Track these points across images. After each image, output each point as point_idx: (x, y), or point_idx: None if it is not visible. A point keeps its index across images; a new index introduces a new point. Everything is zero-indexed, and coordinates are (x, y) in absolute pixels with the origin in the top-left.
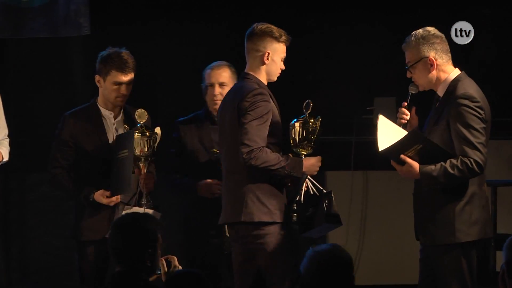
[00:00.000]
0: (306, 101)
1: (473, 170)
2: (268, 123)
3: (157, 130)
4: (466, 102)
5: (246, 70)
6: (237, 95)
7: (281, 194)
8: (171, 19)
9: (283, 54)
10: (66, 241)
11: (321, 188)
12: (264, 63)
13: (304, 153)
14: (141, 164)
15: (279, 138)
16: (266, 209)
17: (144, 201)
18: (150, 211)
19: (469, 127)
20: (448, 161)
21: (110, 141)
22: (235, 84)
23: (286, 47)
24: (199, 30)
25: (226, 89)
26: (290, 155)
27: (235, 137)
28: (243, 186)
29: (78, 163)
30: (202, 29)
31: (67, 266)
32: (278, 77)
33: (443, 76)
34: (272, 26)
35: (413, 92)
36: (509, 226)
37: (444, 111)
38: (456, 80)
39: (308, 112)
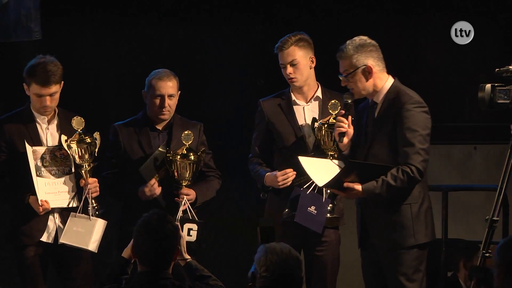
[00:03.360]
0: (332, 101)
1: (414, 178)
2: (260, 132)
3: (96, 135)
4: (413, 107)
5: None
6: None
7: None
8: (122, 23)
9: (280, 61)
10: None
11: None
12: None
13: (331, 153)
14: (83, 171)
15: (283, 143)
16: None
17: (90, 207)
18: (96, 218)
19: (414, 132)
20: (389, 174)
21: (44, 144)
22: None
23: (279, 53)
24: (149, 34)
25: (174, 100)
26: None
27: None
28: None
29: (12, 167)
30: (153, 34)
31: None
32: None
33: (379, 83)
34: None
35: (349, 101)
36: (458, 231)
37: (389, 118)
38: (395, 86)
39: (336, 112)
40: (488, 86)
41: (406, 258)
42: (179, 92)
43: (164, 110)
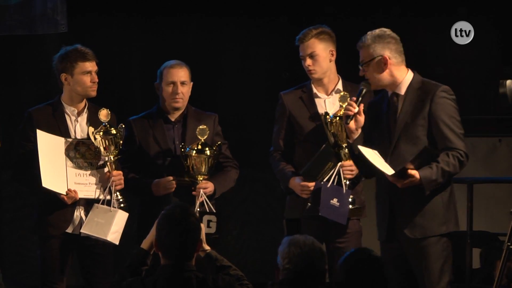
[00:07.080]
0: (341, 93)
1: (464, 162)
2: (281, 125)
3: (121, 127)
4: (447, 95)
5: None
6: None
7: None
8: (147, 16)
9: (300, 53)
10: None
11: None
12: None
13: (345, 145)
14: (108, 163)
15: (304, 136)
16: None
17: (114, 200)
18: (116, 209)
19: (452, 117)
20: (440, 160)
21: (72, 136)
22: None
23: (300, 45)
24: (173, 27)
25: (187, 88)
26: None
27: None
28: None
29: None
30: (177, 27)
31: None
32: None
33: (399, 75)
34: None
35: (365, 89)
36: (483, 223)
37: (421, 106)
38: (417, 78)
39: (345, 104)
40: (509, 81)
41: (437, 248)
42: (191, 83)
43: (177, 97)
